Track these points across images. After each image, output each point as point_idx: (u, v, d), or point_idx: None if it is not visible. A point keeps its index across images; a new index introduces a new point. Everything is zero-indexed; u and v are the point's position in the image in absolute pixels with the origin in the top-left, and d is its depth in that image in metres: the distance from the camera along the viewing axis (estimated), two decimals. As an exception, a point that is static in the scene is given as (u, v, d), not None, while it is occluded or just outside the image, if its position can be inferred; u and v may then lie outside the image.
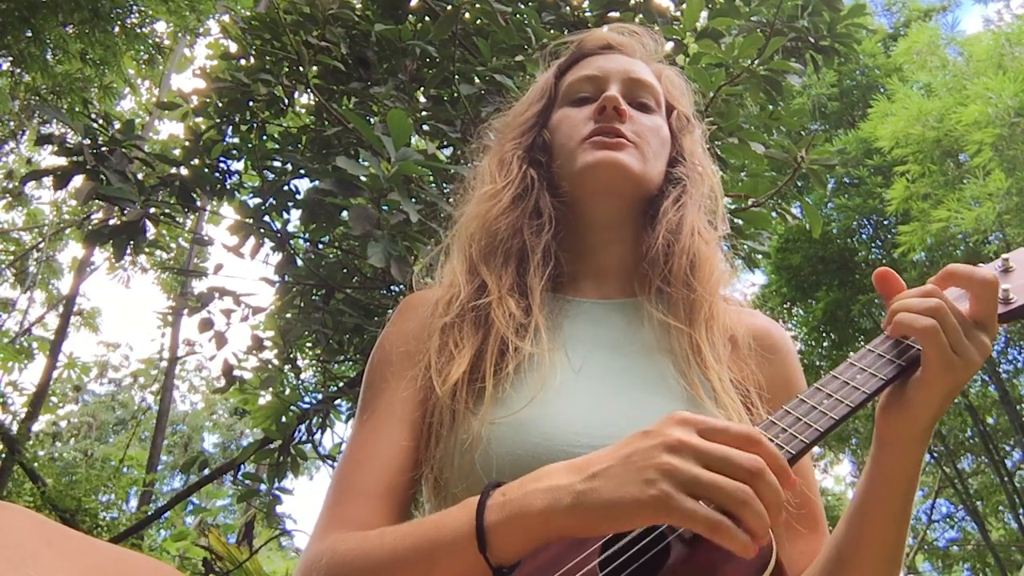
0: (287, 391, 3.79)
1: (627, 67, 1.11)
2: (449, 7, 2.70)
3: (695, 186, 1.09)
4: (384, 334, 1.05)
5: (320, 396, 3.85)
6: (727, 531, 0.62)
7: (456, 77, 2.85)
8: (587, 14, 3.24)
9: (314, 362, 4.45)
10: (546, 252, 1.03)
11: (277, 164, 3.29)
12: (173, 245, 8.68)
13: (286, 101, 3.29)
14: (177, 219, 3.13)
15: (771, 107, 3.09)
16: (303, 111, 3.56)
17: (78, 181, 2.77)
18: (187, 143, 3.31)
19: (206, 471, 4.40)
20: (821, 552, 0.86)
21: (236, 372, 3.67)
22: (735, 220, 2.93)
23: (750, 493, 0.63)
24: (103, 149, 2.78)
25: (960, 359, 0.76)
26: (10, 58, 6.13)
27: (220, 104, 3.15)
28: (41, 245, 10.99)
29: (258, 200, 3.26)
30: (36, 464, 7.71)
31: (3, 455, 7.16)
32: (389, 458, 0.92)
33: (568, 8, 3.29)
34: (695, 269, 1.02)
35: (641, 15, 3.19)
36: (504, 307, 0.97)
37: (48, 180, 2.80)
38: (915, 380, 0.78)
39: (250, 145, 3.20)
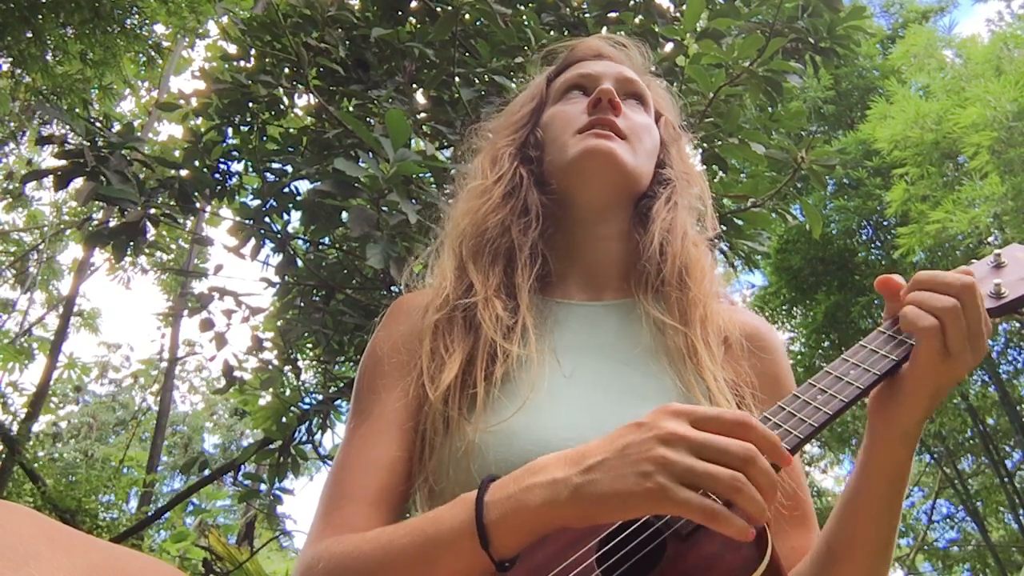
0: (287, 392, 3.79)
1: (618, 69, 1.13)
2: (449, 8, 2.71)
3: (684, 189, 1.10)
4: (374, 338, 1.05)
5: (320, 397, 3.84)
6: (723, 518, 0.63)
7: (456, 78, 2.85)
8: (586, 15, 3.24)
9: (314, 363, 4.45)
10: (533, 250, 1.03)
11: (277, 166, 3.29)
12: (173, 246, 8.67)
13: (286, 102, 3.29)
14: (177, 219, 3.13)
15: (770, 109, 3.09)
16: (303, 112, 3.57)
17: (78, 182, 2.77)
18: (187, 144, 3.31)
19: (206, 472, 4.41)
20: (812, 547, 0.87)
21: (236, 373, 3.66)
22: (735, 220, 2.93)
23: (743, 480, 0.64)
24: (103, 151, 2.77)
25: (953, 359, 0.75)
26: (10, 59, 6.12)
27: (220, 105, 3.15)
28: (41, 246, 10.99)
29: (258, 201, 3.26)
30: (36, 465, 7.69)
31: (3, 455, 7.14)
32: (383, 463, 0.93)
33: (568, 9, 3.29)
34: (688, 273, 1.02)
35: (641, 15, 3.19)
36: (490, 309, 0.97)
37: (48, 181, 2.80)
38: (905, 376, 0.78)
39: (250, 146, 3.20)
